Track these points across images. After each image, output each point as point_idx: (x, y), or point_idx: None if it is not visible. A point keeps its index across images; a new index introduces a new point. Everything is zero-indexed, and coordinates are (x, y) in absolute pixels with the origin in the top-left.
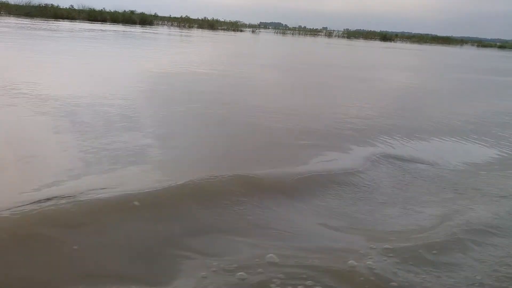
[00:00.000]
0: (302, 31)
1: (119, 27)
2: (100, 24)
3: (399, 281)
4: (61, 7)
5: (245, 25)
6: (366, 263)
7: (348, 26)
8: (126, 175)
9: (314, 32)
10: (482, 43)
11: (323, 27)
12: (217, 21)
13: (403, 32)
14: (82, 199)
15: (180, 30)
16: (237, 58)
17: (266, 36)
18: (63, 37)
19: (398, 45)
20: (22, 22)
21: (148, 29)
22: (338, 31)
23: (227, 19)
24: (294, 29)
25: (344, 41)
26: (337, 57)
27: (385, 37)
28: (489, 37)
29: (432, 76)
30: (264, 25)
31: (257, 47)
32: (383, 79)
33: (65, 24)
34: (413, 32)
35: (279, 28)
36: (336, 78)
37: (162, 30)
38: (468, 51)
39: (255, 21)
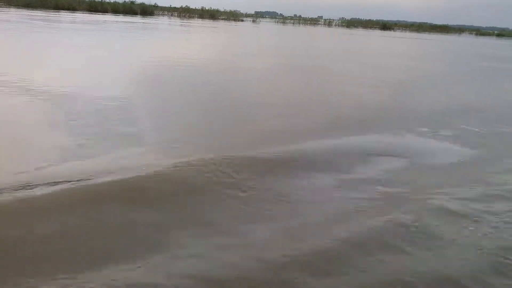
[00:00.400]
0: (302, 20)
1: (128, 18)
2: (104, 15)
3: None
4: None
5: (242, 15)
6: None
7: (343, 15)
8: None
9: (313, 21)
10: (480, 32)
11: (318, 16)
12: (217, 11)
13: (398, 20)
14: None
15: (185, 21)
16: (283, 50)
17: (269, 26)
18: (99, 30)
19: (400, 34)
20: (36, 14)
21: (157, 20)
22: (337, 20)
23: (224, 8)
24: (292, 18)
25: (347, 31)
26: (370, 48)
27: (384, 26)
28: (484, 25)
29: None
30: (260, 14)
31: (280, 38)
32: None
33: (79, 16)
34: (409, 20)
35: (276, 17)
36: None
37: (171, 21)
38: (470, 39)
39: (251, 10)
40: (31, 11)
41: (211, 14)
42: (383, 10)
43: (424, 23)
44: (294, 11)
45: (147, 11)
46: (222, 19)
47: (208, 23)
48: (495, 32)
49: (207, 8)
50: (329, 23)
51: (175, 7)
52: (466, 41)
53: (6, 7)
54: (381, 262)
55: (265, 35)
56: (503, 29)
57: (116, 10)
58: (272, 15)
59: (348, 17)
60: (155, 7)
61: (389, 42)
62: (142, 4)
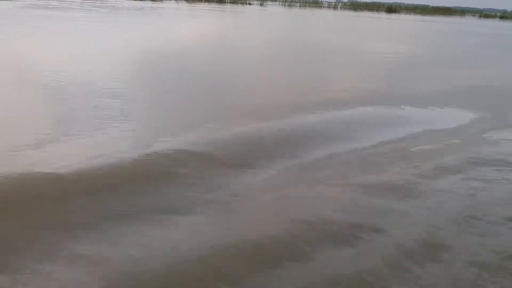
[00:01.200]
0: (307, 3)
1: (147, 3)
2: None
3: None
4: None
5: None
6: None
7: None
8: None
9: (317, 4)
10: (483, 14)
11: None
12: None
13: (396, 2)
14: None
15: (200, 5)
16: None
17: (279, 9)
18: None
19: (408, 17)
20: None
21: (178, 5)
22: (335, 2)
23: None
24: (294, 0)
25: (356, 13)
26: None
27: (390, 9)
28: (481, 7)
29: None
30: None
31: (318, 23)
32: None
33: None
34: (406, 3)
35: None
36: None
37: (189, 5)
38: (478, 21)
39: None
40: None
41: None
42: None
43: (424, 5)
44: None
45: None
46: (228, 2)
47: (220, 7)
48: (498, 14)
49: None
50: (334, 6)
51: None
52: (486, 24)
53: None
54: None
55: (290, 19)
56: (503, 11)
57: None
58: None
59: None
60: None
61: (418, 26)
62: None
